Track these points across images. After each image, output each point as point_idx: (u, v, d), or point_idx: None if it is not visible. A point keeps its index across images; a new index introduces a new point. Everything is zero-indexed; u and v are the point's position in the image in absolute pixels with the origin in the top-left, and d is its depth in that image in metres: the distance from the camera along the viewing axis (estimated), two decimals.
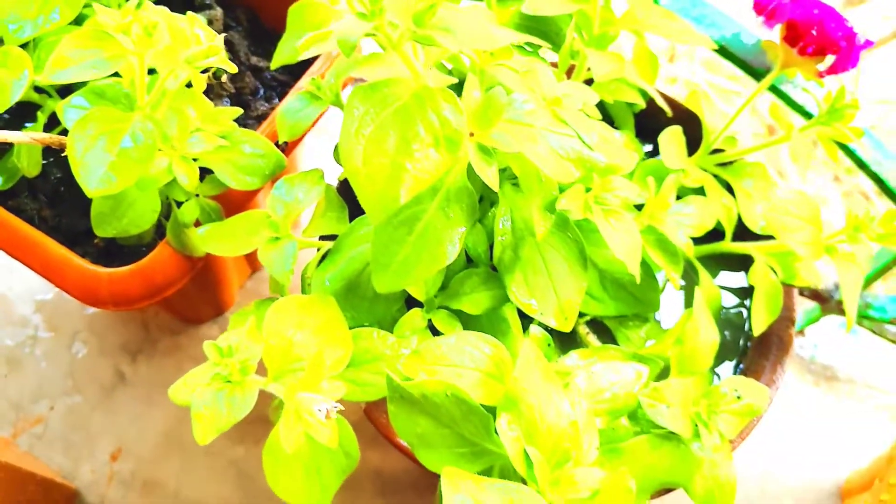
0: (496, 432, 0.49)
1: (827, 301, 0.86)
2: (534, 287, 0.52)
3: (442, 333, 0.56)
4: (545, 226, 0.49)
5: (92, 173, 0.52)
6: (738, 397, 0.55)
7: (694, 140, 0.65)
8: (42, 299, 0.93)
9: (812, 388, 0.91)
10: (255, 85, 0.77)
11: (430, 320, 0.56)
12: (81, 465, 0.85)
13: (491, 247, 0.57)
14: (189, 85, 0.60)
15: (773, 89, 0.65)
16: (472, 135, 0.45)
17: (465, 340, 0.51)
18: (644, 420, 0.55)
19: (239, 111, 0.62)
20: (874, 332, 0.87)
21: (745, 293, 0.69)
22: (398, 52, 0.42)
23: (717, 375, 0.64)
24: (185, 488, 0.85)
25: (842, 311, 0.86)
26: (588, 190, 0.52)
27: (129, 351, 0.90)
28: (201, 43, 0.52)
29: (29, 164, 0.66)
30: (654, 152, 0.72)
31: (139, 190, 0.57)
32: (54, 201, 0.71)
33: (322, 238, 0.60)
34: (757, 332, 0.59)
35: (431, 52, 0.47)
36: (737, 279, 0.70)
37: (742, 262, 0.69)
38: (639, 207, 0.57)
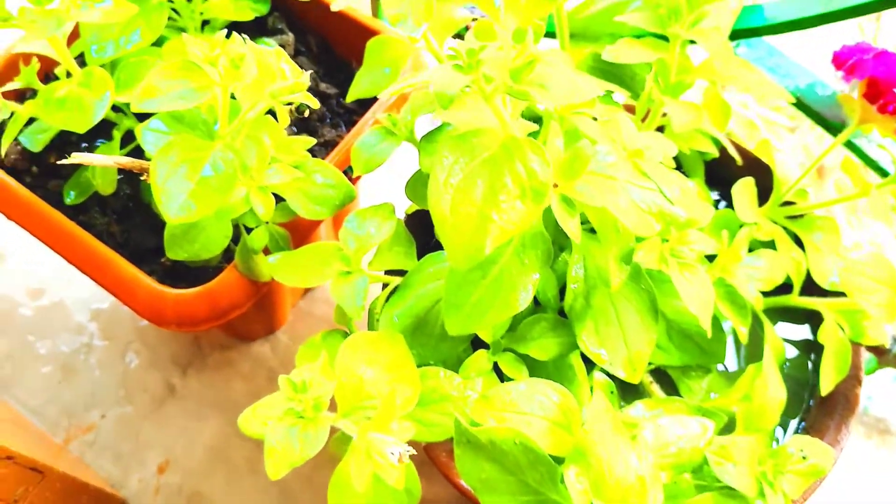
0: (562, 482, 0.48)
1: (884, 354, 0.84)
2: (604, 337, 0.52)
3: (507, 376, 0.56)
4: (621, 277, 0.49)
5: (173, 200, 0.53)
6: (804, 457, 0.54)
7: (763, 189, 0.65)
8: (98, 308, 0.95)
9: (864, 441, 0.90)
10: (322, 112, 0.78)
11: (495, 363, 0.56)
12: (130, 474, 0.86)
13: (561, 291, 0.57)
14: (269, 112, 0.61)
15: (848, 143, 0.64)
16: (555, 185, 0.45)
17: (534, 388, 0.51)
18: (708, 476, 0.54)
19: (312, 141, 0.63)
20: None
21: (808, 347, 0.69)
22: (489, 103, 0.42)
23: (782, 430, 0.64)
24: (230, 501, 0.85)
25: None
26: (664, 241, 0.52)
27: (179, 364, 0.91)
28: (286, 78, 0.53)
29: (104, 182, 0.67)
30: (722, 199, 0.71)
31: (216, 218, 0.58)
32: (123, 218, 0.73)
33: (388, 272, 0.61)
34: (825, 391, 0.59)
35: (517, 101, 0.47)
36: (798, 331, 0.70)
37: (805, 316, 0.69)
38: (710, 258, 0.57)
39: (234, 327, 0.90)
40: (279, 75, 0.53)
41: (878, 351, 0.85)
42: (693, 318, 0.58)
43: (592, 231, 0.53)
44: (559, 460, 0.49)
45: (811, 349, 0.68)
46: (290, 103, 0.54)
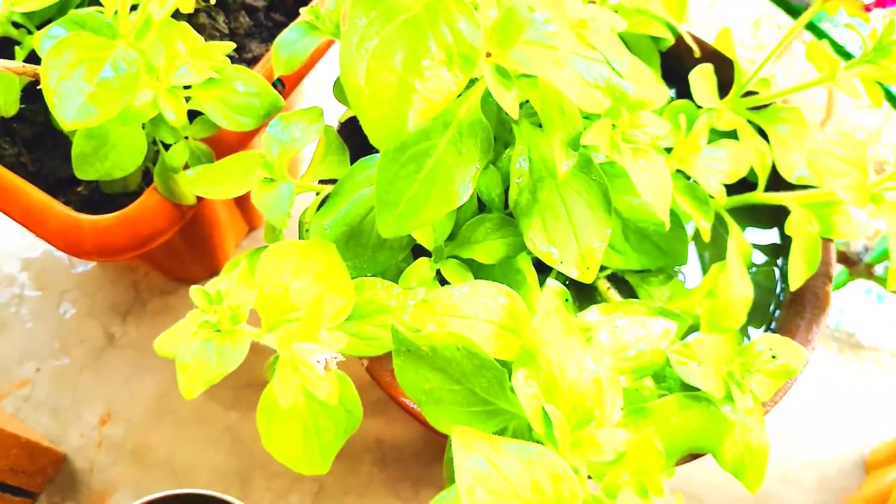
0: (511, 389, 0.44)
1: (855, 264, 0.81)
2: (553, 233, 0.48)
3: (450, 284, 0.51)
4: (568, 164, 0.45)
5: (68, 103, 0.48)
6: (773, 356, 0.51)
7: (725, 84, 0.60)
8: (29, 257, 0.88)
9: (836, 356, 0.87)
10: (249, 25, 0.72)
11: (438, 270, 0.51)
12: (69, 429, 0.81)
13: (506, 191, 0.52)
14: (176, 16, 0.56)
15: (811, 27, 0.60)
16: (488, 55, 0.40)
17: (478, 290, 0.46)
18: (672, 380, 0.50)
19: (232, 45, 0.57)
20: None
21: (775, 251, 0.65)
22: None
23: (748, 338, 0.60)
24: (177, 454, 0.81)
25: (870, 275, 0.82)
26: (614, 126, 0.47)
27: (118, 312, 0.86)
28: None
29: (5, 101, 0.61)
30: (681, 96, 0.67)
31: (122, 124, 0.52)
32: (35, 146, 0.67)
33: (322, 182, 0.56)
34: (794, 286, 0.55)
35: None
36: (765, 236, 0.66)
37: (772, 218, 0.65)
38: (667, 151, 0.53)
39: (171, 267, 0.84)
40: None
41: (848, 261, 0.82)
42: (651, 215, 0.53)
43: (536, 120, 0.48)
44: (509, 367, 0.45)
45: (778, 253, 0.64)
46: None
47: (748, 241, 0.60)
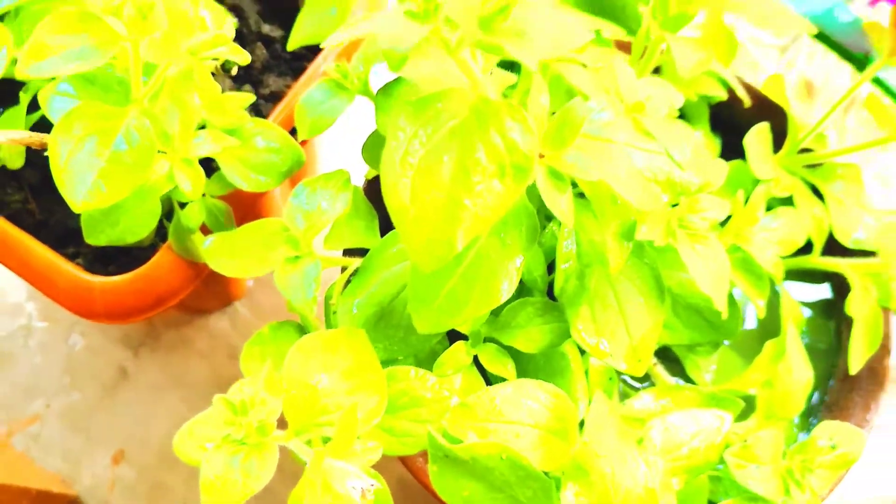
0: (558, 499, 0.41)
1: None
2: (603, 324, 0.44)
3: (489, 372, 0.48)
4: (621, 257, 0.41)
5: (79, 183, 0.44)
6: (832, 447, 0.48)
7: (777, 134, 0.56)
8: None
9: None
10: (266, 58, 0.68)
11: (475, 356, 0.48)
12: (81, 468, 0.79)
13: (549, 269, 0.48)
14: None
15: (875, 80, 0.55)
16: (541, 156, 0.36)
17: (522, 391, 0.43)
18: (729, 478, 0.47)
19: (252, 98, 0.53)
20: None
21: (825, 309, 0.61)
22: (456, 58, 0.33)
23: None
24: (193, 495, 0.78)
25: None
26: (672, 206, 0.43)
27: (130, 345, 0.83)
28: (207, 28, 0.43)
29: (10, 155, 0.57)
30: (727, 145, 0.63)
31: (136, 199, 0.49)
32: (42, 192, 0.63)
33: (347, 252, 0.52)
34: (855, 368, 0.51)
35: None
36: (813, 291, 0.62)
37: (823, 274, 0.61)
38: (722, 222, 0.49)
39: (187, 302, 0.81)
40: (198, 25, 0.43)
41: None
42: (703, 292, 0.50)
43: (583, 196, 0.45)
44: (553, 475, 0.42)
45: (829, 311, 0.61)
46: (215, 58, 0.45)
47: (796, 297, 0.56)
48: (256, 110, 0.65)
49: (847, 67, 0.88)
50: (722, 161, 0.45)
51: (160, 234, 0.61)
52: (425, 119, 0.34)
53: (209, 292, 0.78)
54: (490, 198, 0.34)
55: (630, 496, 0.41)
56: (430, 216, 0.33)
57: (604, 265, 0.43)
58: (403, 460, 0.51)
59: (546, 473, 0.42)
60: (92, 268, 0.59)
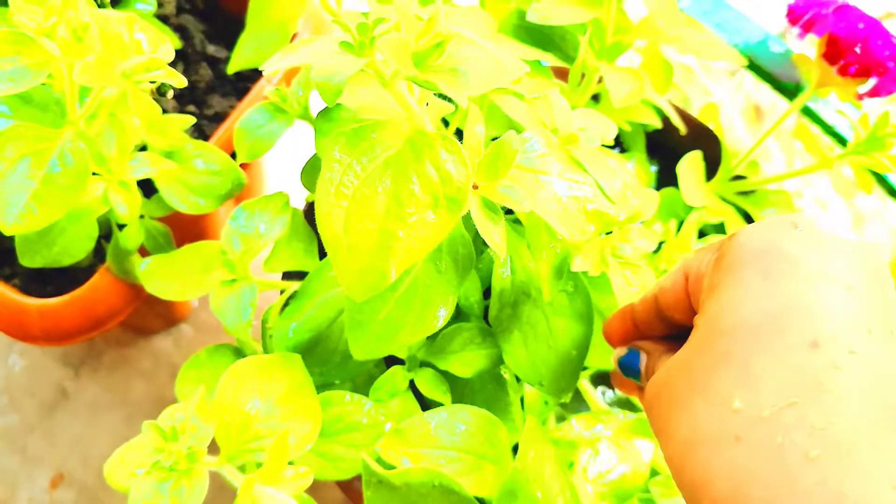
0: None
1: None
2: (534, 352, 0.45)
3: (426, 396, 0.48)
4: (554, 288, 0.42)
5: (10, 205, 0.43)
6: None
7: (711, 161, 0.58)
8: None
9: None
10: (210, 78, 0.67)
11: (412, 380, 0.48)
12: (18, 492, 0.77)
13: (485, 293, 0.49)
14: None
15: (804, 109, 0.57)
16: (475, 187, 0.37)
17: (455, 416, 0.43)
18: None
19: (191, 120, 0.53)
20: None
21: None
22: (391, 91, 0.34)
23: None
24: None
25: None
26: (604, 235, 0.44)
27: (71, 364, 0.81)
28: (143, 52, 0.43)
29: None
30: (664, 170, 0.64)
31: (70, 222, 0.48)
32: None
33: (287, 276, 0.52)
34: None
35: None
36: None
37: None
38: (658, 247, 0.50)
39: (130, 322, 0.80)
40: (133, 48, 0.42)
41: None
42: None
43: (518, 222, 0.45)
44: (485, 501, 0.42)
45: None
46: (151, 81, 0.44)
47: None
48: (200, 130, 0.65)
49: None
50: (653, 191, 0.46)
51: (99, 254, 0.60)
52: (361, 150, 0.34)
53: (152, 312, 0.77)
54: (423, 229, 0.34)
55: None
56: (363, 247, 0.34)
57: (538, 294, 0.44)
58: (341, 484, 0.51)
59: (479, 499, 0.42)
60: (28, 289, 0.58)
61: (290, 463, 0.41)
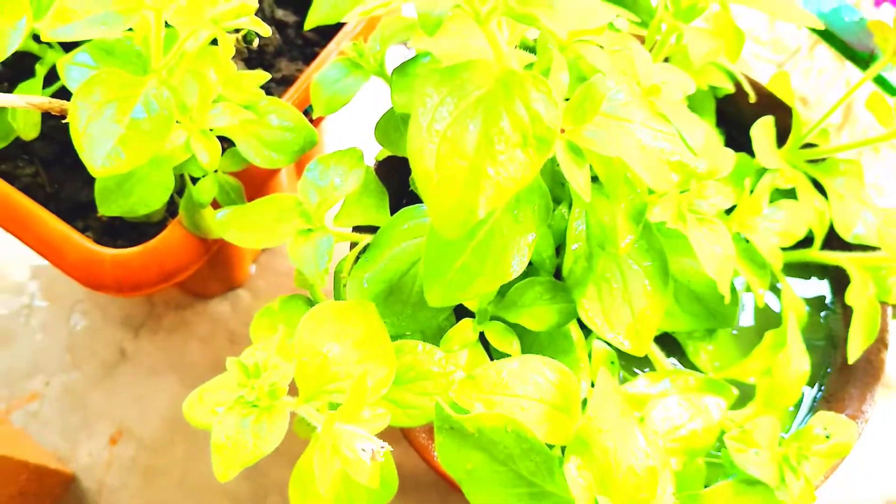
0: (561, 473, 0.42)
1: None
2: (608, 305, 0.45)
3: (495, 348, 0.49)
4: (631, 238, 0.42)
5: (98, 148, 0.45)
6: (827, 436, 0.48)
7: (781, 130, 0.57)
8: (39, 265, 0.86)
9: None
10: (279, 43, 0.68)
11: (481, 333, 0.49)
12: (79, 447, 0.79)
13: (557, 251, 0.49)
14: (213, 42, 0.52)
15: (878, 79, 0.57)
16: (562, 131, 0.37)
17: (528, 366, 0.44)
18: (723, 455, 0.48)
19: (266, 76, 0.54)
20: None
21: (819, 303, 0.62)
22: (484, 29, 0.34)
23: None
24: (190, 477, 0.78)
25: None
26: (682, 192, 0.44)
27: (131, 326, 0.83)
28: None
29: (25, 125, 0.57)
30: (733, 141, 0.64)
31: (152, 168, 0.49)
32: (53, 166, 0.63)
33: (358, 229, 0.53)
34: (852, 358, 0.52)
35: (514, 28, 0.39)
36: (813, 287, 0.63)
37: (822, 269, 0.62)
38: (727, 211, 0.50)
39: (189, 285, 0.81)
40: None
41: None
42: (705, 278, 0.51)
43: (594, 179, 0.46)
44: (557, 447, 0.43)
45: (825, 308, 0.62)
46: (236, 30, 0.45)
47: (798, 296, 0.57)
48: (269, 93, 0.66)
49: (842, 83, 0.90)
50: (730, 150, 0.46)
51: (170, 210, 0.61)
52: (452, 88, 0.34)
53: (213, 275, 0.79)
54: (512, 167, 0.34)
55: (631, 472, 0.42)
56: (454, 182, 0.34)
57: (613, 246, 0.44)
58: (408, 436, 0.51)
59: (549, 448, 0.42)
60: (101, 242, 0.59)
61: (366, 405, 0.42)
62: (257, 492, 0.78)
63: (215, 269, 0.77)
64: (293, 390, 0.43)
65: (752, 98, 0.58)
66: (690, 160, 0.40)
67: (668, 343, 0.57)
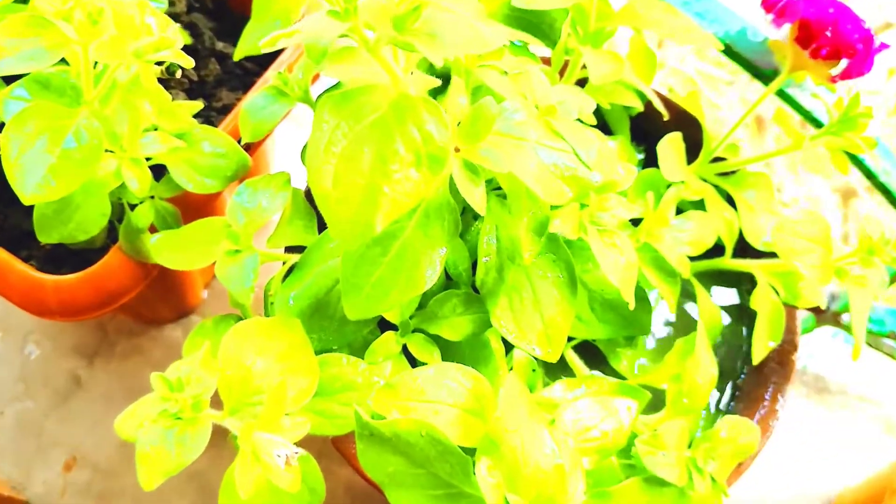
0: (475, 474, 0.44)
1: (822, 313, 0.82)
2: (519, 314, 0.48)
3: (417, 359, 0.51)
4: (534, 250, 0.44)
5: (29, 177, 0.47)
6: (731, 438, 0.51)
7: (693, 144, 0.60)
8: None
9: (804, 400, 0.88)
10: (219, 73, 0.71)
11: (405, 345, 0.51)
12: (33, 475, 0.80)
13: (474, 265, 0.52)
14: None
15: (781, 93, 0.60)
16: (457, 150, 0.40)
17: (443, 373, 0.46)
18: (636, 456, 0.50)
19: (199, 105, 0.56)
20: (870, 344, 0.83)
21: (740, 311, 0.65)
22: (375, 56, 0.37)
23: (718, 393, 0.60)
24: (143, 502, 0.80)
25: (837, 323, 0.83)
26: (583, 207, 0.47)
27: (85, 354, 0.85)
28: (152, 33, 0.46)
29: None
30: (650, 156, 0.67)
31: (85, 194, 0.52)
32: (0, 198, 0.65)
33: (288, 250, 0.55)
34: (756, 359, 0.55)
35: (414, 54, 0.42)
36: (730, 296, 0.66)
37: (737, 278, 0.65)
38: (635, 222, 0.53)
39: (141, 311, 0.83)
40: (144, 31, 0.46)
41: (816, 310, 0.82)
42: (616, 288, 0.53)
43: (505, 196, 0.48)
44: (471, 452, 0.45)
45: (744, 313, 0.65)
46: (160, 62, 0.48)
47: (715, 301, 0.60)
48: (209, 122, 0.68)
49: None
50: (630, 165, 0.49)
51: (112, 237, 0.63)
52: (348, 112, 0.37)
53: (163, 301, 0.80)
54: (407, 185, 0.37)
55: (539, 470, 0.44)
56: (351, 201, 0.37)
57: (519, 257, 0.47)
58: (339, 447, 0.53)
59: (464, 450, 0.45)
60: (45, 269, 0.61)
61: (287, 414, 0.44)
62: None
63: (165, 295, 0.79)
64: (218, 404, 0.46)
65: (665, 116, 0.61)
66: (584, 173, 0.43)
67: (594, 353, 0.59)
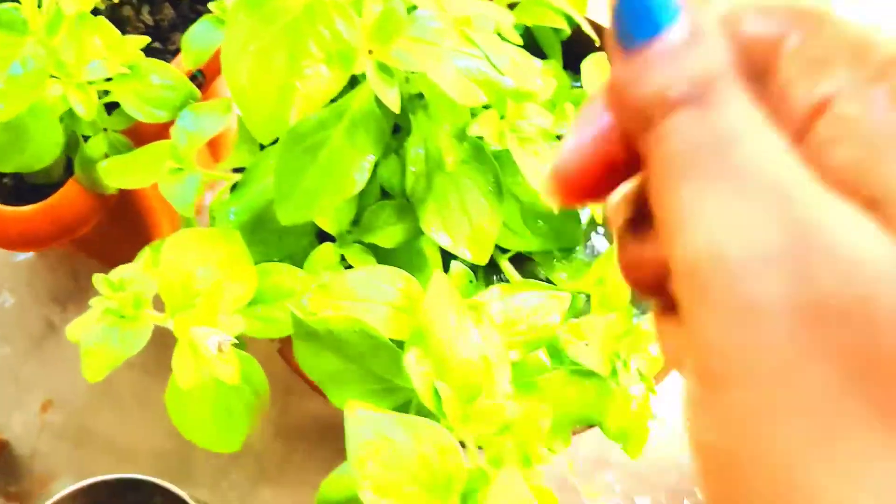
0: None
1: None
2: (447, 219, 0.50)
3: (353, 267, 0.54)
4: (455, 156, 0.47)
5: None
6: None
7: None
8: None
9: None
10: (173, 17, 0.73)
11: (344, 256, 0.54)
12: (12, 416, 0.83)
13: None
14: (95, 13, 0.57)
15: None
16: (370, 52, 0.42)
17: (375, 274, 0.49)
18: (566, 357, 0.53)
19: (147, 40, 0.59)
20: None
21: None
22: None
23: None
24: (119, 438, 0.83)
25: None
26: (502, 118, 0.50)
27: (58, 301, 0.87)
28: None
29: None
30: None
31: (35, 118, 0.54)
32: None
33: (236, 171, 0.58)
34: None
35: None
36: None
37: None
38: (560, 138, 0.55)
39: (111, 256, 0.85)
40: None
41: None
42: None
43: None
44: (403, 346, 0.48)
45: None
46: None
47: None
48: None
49: None
50: (550, 78, 0.51)
51: (69, 172, 0.66)
52: (263, 14, 0.40)
53: (130, 244, 0.83)
54: (318, 81, 0.40)
55: (466, 363, 0.47)
56: (266, 96, 0.39)
57: (444, 164, 0.49)
58: (283, 356, 0.56)
59: (396, 345, 0.47)
60: (6, 203, 0.64)
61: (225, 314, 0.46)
62: (182, 448, 0.82)
63: (133, 237, 0.82)
64: (161, 307, 0.48)
65: (597, 41, 0.63)
66: (497, 77, 0.45)
67: (530, 272, 0.62)
